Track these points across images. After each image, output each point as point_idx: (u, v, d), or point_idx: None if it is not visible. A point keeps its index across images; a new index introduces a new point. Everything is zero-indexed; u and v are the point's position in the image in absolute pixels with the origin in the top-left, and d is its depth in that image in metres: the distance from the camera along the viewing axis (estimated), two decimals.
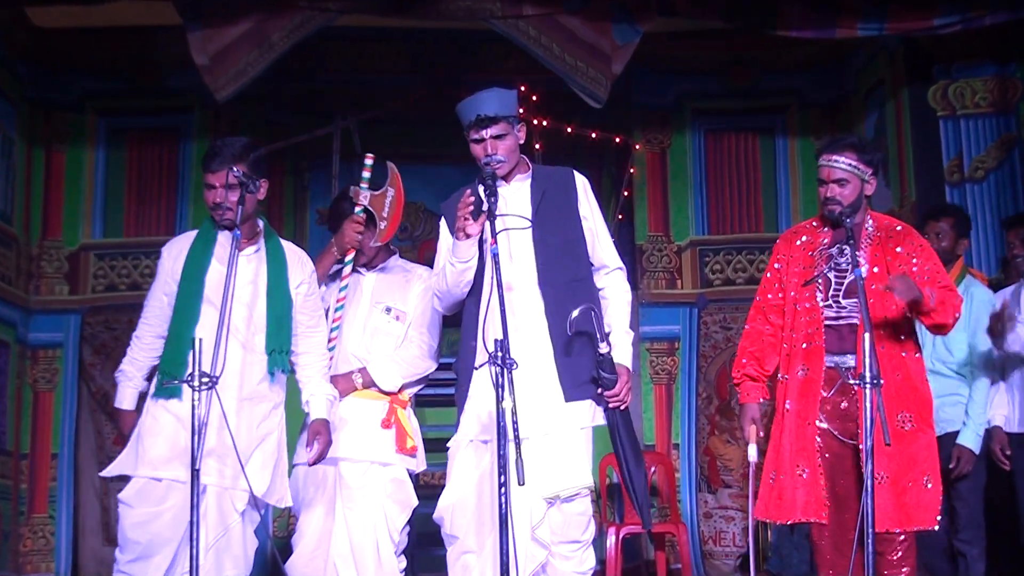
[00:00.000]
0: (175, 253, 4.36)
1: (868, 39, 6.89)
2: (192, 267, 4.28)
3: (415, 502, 4.62)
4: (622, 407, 4.09)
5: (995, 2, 6.24)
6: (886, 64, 7.26)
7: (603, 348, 4.01)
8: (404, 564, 4.60)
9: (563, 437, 4.02)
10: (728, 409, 7.54)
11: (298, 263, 4.46)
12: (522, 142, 4.20)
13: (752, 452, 4.38)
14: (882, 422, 3.71)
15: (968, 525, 5.32)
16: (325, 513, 4.54)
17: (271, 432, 4.31)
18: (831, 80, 7.90)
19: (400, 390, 4.70)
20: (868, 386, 3.73)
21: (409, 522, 4.65)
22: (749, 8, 6.56)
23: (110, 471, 4.31)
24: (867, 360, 3.74)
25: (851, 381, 4.02)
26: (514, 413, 3.53)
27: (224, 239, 4.29)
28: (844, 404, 4.25)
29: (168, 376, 4.19)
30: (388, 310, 4.64)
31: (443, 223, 4.29)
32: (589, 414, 4.08)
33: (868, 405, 3.74)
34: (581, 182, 4.27)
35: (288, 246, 4.48)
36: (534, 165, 4.29)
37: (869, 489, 3.73)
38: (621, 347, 4.10)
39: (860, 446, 4.16)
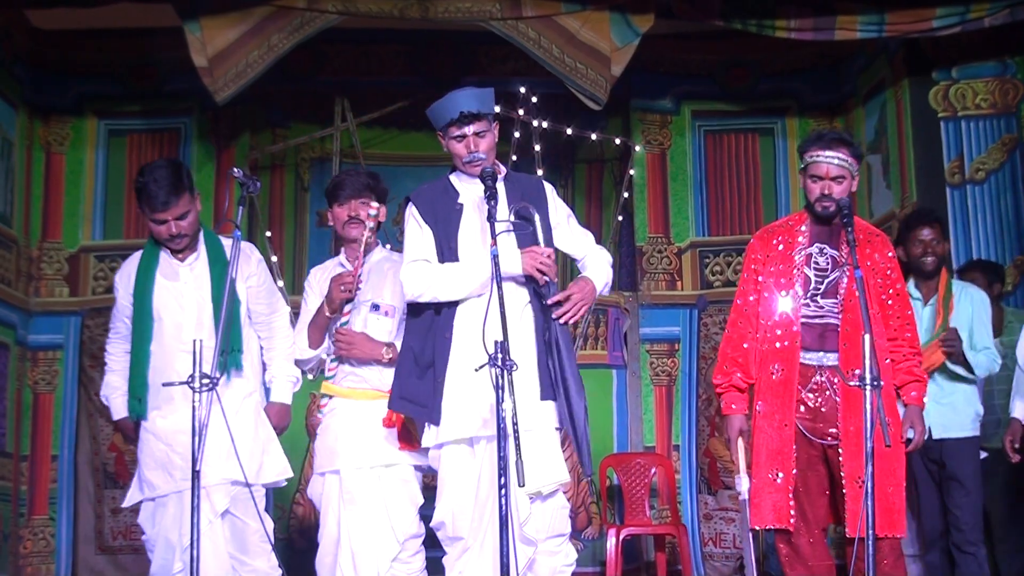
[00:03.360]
0: (125, 276, 4.54)
1: (868, 41, 6.90)
2: (140, 288, 4.45)
3: (421, 500, 4.54)
4: (571, 319, 4.10)
5: (994, 3, 6.27)
6: (887, 65, 7.28)
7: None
8: (423, 564, 4.55)
9: (540, 434, 4.03)
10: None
11: (242, 258, 4.45)
12: (496, 141, 4.22)
13: (743, 484, 4.33)
14: (882, 424, 3.70)
15: (976, 526, 5.32)
16: (333, 520, 4.50)
17: (246, 419, 4.47)
18: (830, 82, 7.91)
19: None
20: (868, 387, 3.72)
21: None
22: (748, 10, 6.59)
23: (127, 502, 4.59)
24: (867, 362, 3.72)
25: (852, 383, 3.99)
26: (514, 415, 3.53)
27: (166, 255, 4.49)
28: (816, 402, 4.23)
29: (134, 398, 4.43)
30: (376, 307, 4.56)
31: (413, 211, 4.22)
32: (557, 416, 4.12)
33: (868, 407, 3.72)
34: (550, 190, 4.30)
35: (229, 243, 4.47)
36: (506, 168, 4.31)
37: (870, 491, 3.71)
38: (597, 271, 4.21)
39: (827, 443, 4.20)
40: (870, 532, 3.71)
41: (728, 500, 7.35)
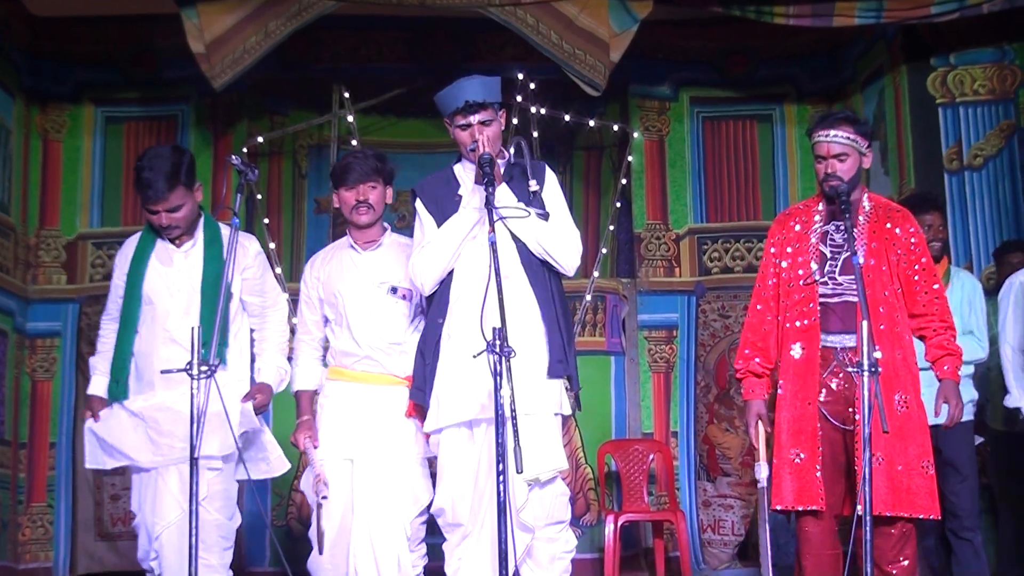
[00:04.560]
0: (123, 258, 4.50)
1: (866, 27, 6.89)
2: (133, 271, 4.42)
3: (432, 494, 4.43)
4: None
5: None
6: (885, 52, 7.28)
7: (533, 186, 4.11)
8: (424, 551, 4.48)
9: (540, 420, 4.06)
10: (727, 398, 7.55)
11: (240, 249, 4.42)
12: (503, 129, 4.24)
13: (762, 472, 4.32)
14: (880, 410, 3.69)
15: (972, 512, 5.36)
16: (343, 510, 4.40)
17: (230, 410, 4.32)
18: (829, 68, 7.91)
19: None
20: (866, 373, 3.71)
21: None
22: None
23: (93, 464, 4.52)
24: (864, 347, 3.72)
25: (850, 369, 3.98)
26: (512, 401, 3.53)
27: (163, 239, 4.44)
28: (837, 385, 4.22)
29: (114, 380, 4.40)
30: (394, 290, 4.48)
31: (419, 204, 4.29)
32: (559, 400, 4.16)
33: (866, 393, 3.71)
34: (550, 176, 4.31)
35: (229, 232, 4.36)
36: (508, 153, 4.31)
37: (867, 477, 3.70)
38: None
39: (848, 428, 4.17)
40: (867, 519, 3.70)
41: (727, 487, 7.35)
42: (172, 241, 4.44)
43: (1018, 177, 6.56)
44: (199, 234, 4.48)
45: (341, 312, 4.50)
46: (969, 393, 5.42)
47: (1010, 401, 5.34)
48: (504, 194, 4.11)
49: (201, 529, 4.16)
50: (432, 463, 4.49)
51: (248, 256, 4.51)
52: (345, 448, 4.41)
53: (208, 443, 4.12)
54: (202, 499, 4.17)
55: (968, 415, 5.38)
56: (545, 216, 4.14)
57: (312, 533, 4.46)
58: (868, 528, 3.71)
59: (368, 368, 4.47)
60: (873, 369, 3.72)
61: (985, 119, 6.74)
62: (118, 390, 4.38)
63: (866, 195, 4.38)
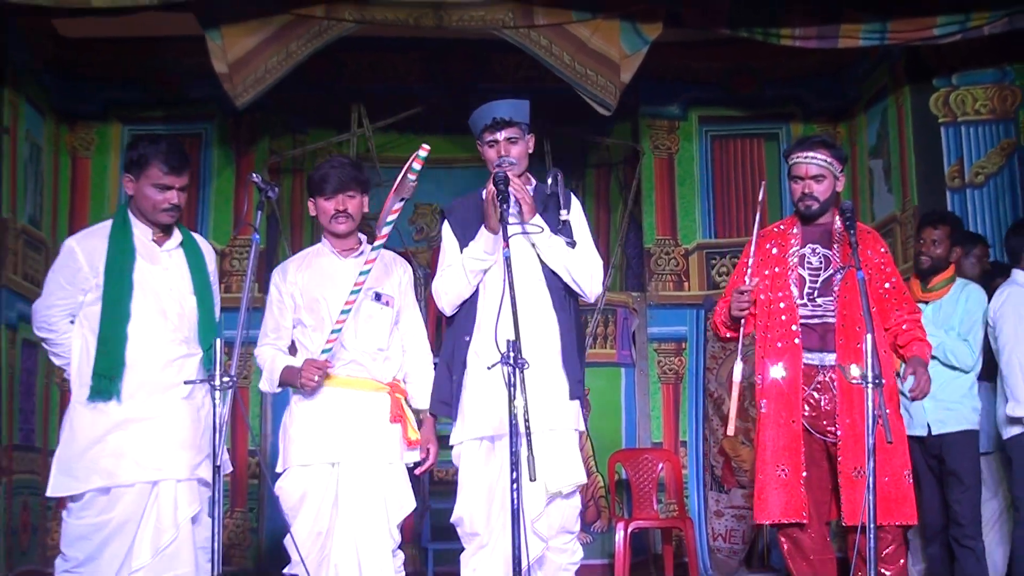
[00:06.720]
0: (90, 249, 4.23)
1: (870, 48, 6.94)
2: (116, 261, 4.19)
3: (414, 504, 4.45)
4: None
5: (994, 12, 6.33)
6: (888, 72, 7.34)
7: (564, 215, 4.26)
8: (402, 557, 4.46)
9: (562, 435, 4.19)
10: (741, 410, 7.59)
11: (211, 255, 4.44)
12: (530, 152, 4.36)
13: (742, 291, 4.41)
14: (884, 421, 3.77)
15: (975, 520, 5.39)
16: (320, 515, 4.32)
17: (208, 416, 4.23)
18: (834, 88, 7.97)
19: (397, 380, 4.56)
20: (870, 386, 3.78)
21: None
22: (754, 18, 6.65)
23: (56, 491, 4.23)
24: (869, 360, 3.80)
25: (853, 380, 4.01)
26: (526, 412, 3.62)
27: (140, 232, 4.28)
28: (819, 400, 4.32)
29: (104, 377, 4.13)
30: (378, 296, 4.47)
31: (446, 226, 4.42)
32: (577, 418, 4.28)
33: (870, 404, 3.78)
34: (575, 204, 4.41)
35: (198, 237, 4.45)
36: (534, 180, 4.43)
37: (871, 487, 3.80)
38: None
39: (827, 440, 4.29)
40: (871, 526, 3.79)
41: (741, 499, 7.33)
42: (157, 233, 4.28)
43: (1018, 194, 6.62)
44: (176, 234, 4.36)
45: (324, 317, 4.39)
46: (972, 401, 5.47)
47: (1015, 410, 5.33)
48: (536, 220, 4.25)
49: (206, 541, 4.17)
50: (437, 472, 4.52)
51: (214, 263, 4.45)
52: (330, 452, 4.33)
53: (205, 467, 4.16)
54: (196, 514, 4.19)
55: (972, 424, 5.43)
56: (572, 244, 4.27)
57: (295, 538, 4.28)
58: (872, 536, 3.81)
59: (353, 372, 4.40)
60: (877, 381, 3.79)
61: (986, 138, 6.80)
62: (112, 388, 4.09)
63: (838, 217, 4.45)
